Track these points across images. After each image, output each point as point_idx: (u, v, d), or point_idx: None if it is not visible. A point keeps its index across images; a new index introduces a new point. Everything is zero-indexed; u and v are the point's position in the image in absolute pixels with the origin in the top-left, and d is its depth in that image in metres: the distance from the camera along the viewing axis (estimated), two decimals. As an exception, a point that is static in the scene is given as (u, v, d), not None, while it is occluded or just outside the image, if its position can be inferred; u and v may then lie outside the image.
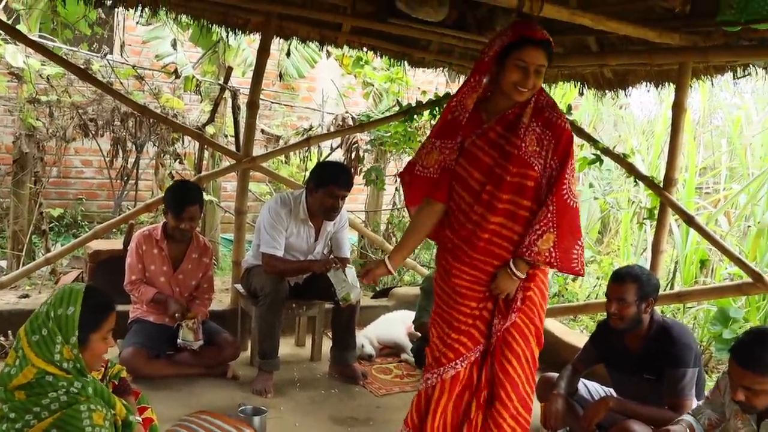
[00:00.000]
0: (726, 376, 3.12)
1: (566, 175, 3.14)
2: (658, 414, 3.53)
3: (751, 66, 4.56)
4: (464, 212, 3.22)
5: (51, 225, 7.72)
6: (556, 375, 4.21)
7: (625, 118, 10.81)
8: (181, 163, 7.45)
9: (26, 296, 5.98)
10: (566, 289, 7.01)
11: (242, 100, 6.47)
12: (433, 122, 6.61)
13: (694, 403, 3.45)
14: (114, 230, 7.30)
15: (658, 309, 5.01)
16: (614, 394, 3.98)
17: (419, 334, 5.12)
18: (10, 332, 4.81)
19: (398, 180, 7.60)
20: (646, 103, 11.21)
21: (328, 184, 4.62)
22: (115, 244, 5.98)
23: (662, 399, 3.54)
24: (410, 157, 6.20)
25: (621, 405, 3.77)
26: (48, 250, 6.52)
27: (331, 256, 4.95)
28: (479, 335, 3.33)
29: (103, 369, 3.01)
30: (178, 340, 4.57)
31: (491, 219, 3.15)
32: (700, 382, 3.68)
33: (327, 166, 4.95)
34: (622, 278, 3.70)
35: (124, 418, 2.78)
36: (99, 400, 2.63)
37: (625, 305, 3.66)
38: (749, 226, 7.06)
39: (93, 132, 6.98)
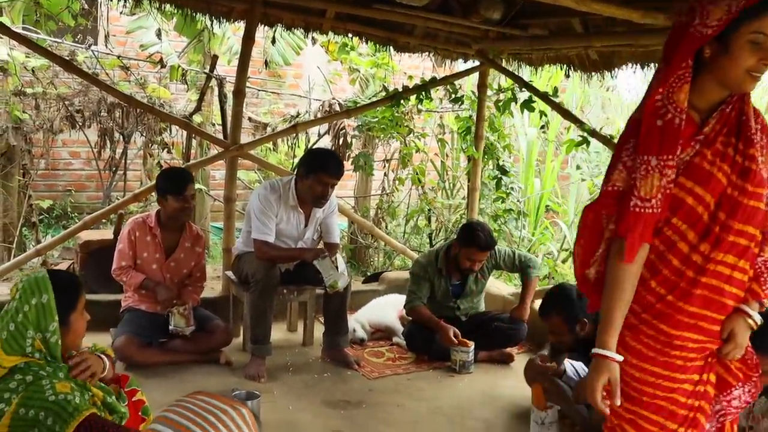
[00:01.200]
0: None
1: None
2: None
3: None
4: (681, 254, 2.23)
5: (41, 217, 7.72)
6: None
7: (612, 100, 10.85)
8: (169, 152, 7.46)
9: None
10: (556, 271, 7.06)
11: (228, 89, 6.48)
12: (421, 107, 6.65)
13: None
14: (104, 221, 7.32)
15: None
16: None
17: (410, 318, 5.16)
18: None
19: (386, 167, 7.67)
20: (633, 85, 11.26)
21: (318, 172, 4.63)
22: (106, 234, 6.00)
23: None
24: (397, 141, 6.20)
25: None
26: (39, 242, 6.53)
27: (321, 242, 4.98)
28: (704, 419, 2.33)
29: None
30: (170, 327, 4.58)
31: (720, 259, 2.21)
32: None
33: (317, 154, 4.94)
34: (545, 312, 3.81)
35: (102, 399, 2.78)
36: (70, 383, 2.63)
37: (560, 335, 3.75)
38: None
39: (80, 123, 6.97)
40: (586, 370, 4.12)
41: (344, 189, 8.45)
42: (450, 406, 4.33)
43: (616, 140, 5.16)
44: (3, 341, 2.58)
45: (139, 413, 3.02)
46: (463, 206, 7.36)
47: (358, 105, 6.30)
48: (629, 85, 11.23)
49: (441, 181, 7.91)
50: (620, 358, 2.21)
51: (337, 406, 4.24)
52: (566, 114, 5.39)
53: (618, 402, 2.20)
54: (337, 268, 4.52)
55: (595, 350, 2.20)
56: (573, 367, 4.18)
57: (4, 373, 2.56)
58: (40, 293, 2.60)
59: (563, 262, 7.23)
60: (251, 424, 1.83)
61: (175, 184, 4.65)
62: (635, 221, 2.14)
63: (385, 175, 7.66)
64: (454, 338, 4.81)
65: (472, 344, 4.84)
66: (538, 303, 5.33)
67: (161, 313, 4.66)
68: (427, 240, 7.62)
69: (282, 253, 4.75)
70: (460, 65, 6.18)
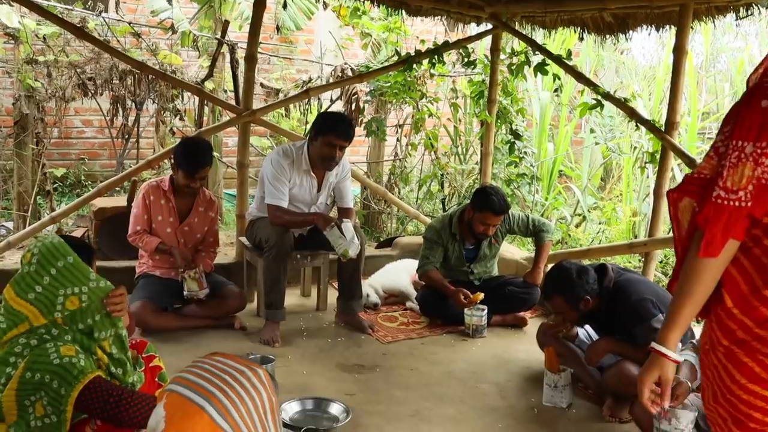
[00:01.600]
0: None
1: None
2: None
3: (754, 6, 4.50)
4: None
5: (55, 186, 7.76)
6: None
7: (626, 63, 10.73)
8: (181, 119, 7.44)
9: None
10: (569, 236, 7.05)
11: (240, 55, 6.44)
12: (433, 71, 6.60)
13: None
14: (117, 188, 7.34)
15: (661, 253, 5.05)
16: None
17: (423, 283, 5.17)
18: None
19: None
20: (648, 48, 11.13)
21: (327, 134, 4.62)
22: (120, 201, 6.03)
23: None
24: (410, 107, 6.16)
25: (618, 347, 3.84)
26: (53, 210, 6.56)
27: (335, 207, 4.99)
28: None
29: None
30: (184, 292, 4.62)
31: None
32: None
33: (328, 116, 4.93)
34: (548, 295, 3.81)
35: (107, 367, 2.80)
36: (75, 346, 2.64)
37: (564, 314, 3.76)
38: (752, 169, 7.04)
39: (92, 91, 6.96)
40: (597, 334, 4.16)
41: (357, 155, 8.44)
42: (463, 370, 4.36)
43: (630, 103, 5.14)
44: (33, 300, 2.57)
45: (156, 379, 3.05)
46: (476, 171, 7.33)
47: (370, 69, 6.24)
48: (644, 48, 11.12)
49: (454, 146, 7.87)
50: (679, 358, 2.09)
51: (351, 370, 4.28)
52: (580, 77, 5.33)
53: (667, 405, 2.08)
54: (345, 236, 4.52)
55: (653, 345, 2.05)
56: (585, 330, 4.20)
57: (13, 336, 2.57)
58: (62, 256, 2.59)
59: (576, 226, 7.21)
60: (268, 385, 1.83)
61: (189, 162, 4.62)
62: (716, 213, 1.87)
63: (397, 140, 7.63)
64: (464, 300, 4.83)
65: (483, 304, 4.85)
66: (551, 267, 5.36)
67: (176, 279, 4.70)
68: (440, 205, 7.61)
69: (295, 218, 4.76)
70: (473, 29, 6.10)
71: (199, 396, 1.73)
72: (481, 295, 4.87)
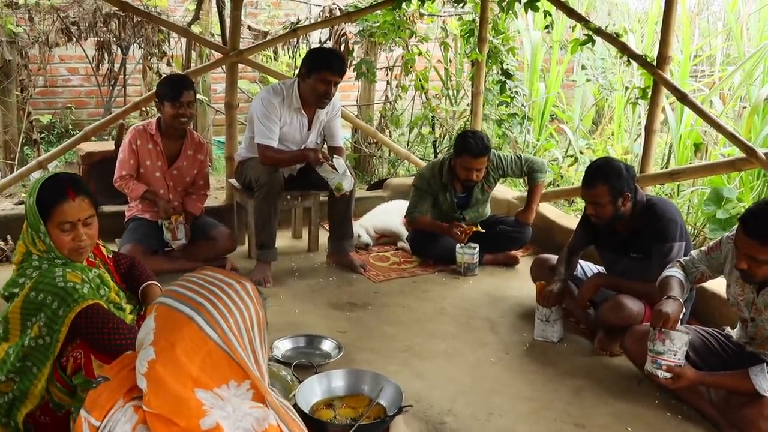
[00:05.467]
0: (730, 242, 3.15)
1: None
2: (647, 288, 3.59)
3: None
4: None
5: (42, 135, 7.67)
6: (550, 256, 4.29)
7: (619, 5, 10.58)
8: (168, 64, 7.32)
9: (22, 203, 6.01)
10: (561, 177, 7.03)
11: (226, -5, 6.32)
12: (423, 10, 6.49)
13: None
14: (105, 135, 7.28)
15: (652, 191, 5.06)
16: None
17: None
18: (9, 237, 4.85)
19: (389, 74, 7.53)
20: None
21: (321, 70, 4.53)
22: (107, 145, 5.98)
23: (652, 276, 3.56)
24: (400, 49, 6.09)
25: (611, 281, 3.85)
26: (40, 157, 6.50)
27: (325, 146, 4.94)
28: None
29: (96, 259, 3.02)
30: (164, 238, 4.63)
31: None
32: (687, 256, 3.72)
33: (319, 52, 4.83)
34: (591, 182, 3.67)
35: (114, 301, 2.82)
36: (82, 275, 2.66)
37: (601, 206, 3.68)
38: (744, 107, 7.00)
39: (76, 36, 6.84)
40: (594, 270, 4.16)
41: (347, 100, 8.35)
42: (455, 307, 4.37)
43: (622, 38, 5.06)
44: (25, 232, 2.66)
45: None
46: (467, 113, 7.26)
47: (358, 9, 6.14)
48: (637, -11, 10.96)
49: (445, 88, 7.79)
50: None
51: (343, 308, 4.29)
52: (571, 12, 5.25)
53: None
54: (337, 170, 4.48)
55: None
56: (580, 266, 4.20)
57: (21, 259, 2.66)
58: (30, 194, 2.64)
59: (569, 166, 7.19)
60: (256, 299, 1.84)
61: (171, 89, 4.57)
62: None
63: (387, 83, 7.54)
64: (458, 232, 4.84)
65: (474, 242, 4.85)
66: (542, 206, 5.37)
67: (163, 223, 4.68)
68: (432, 148, 7.57)
69: (285, 155, 4.70)
70: (463, -35, 5.99)
71: (188, 307, 1.73)
72: (478, 227, 4.87)
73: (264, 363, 1.88)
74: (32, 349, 2.56)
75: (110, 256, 3.06)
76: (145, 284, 3.09)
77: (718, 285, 3.80)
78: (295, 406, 2.84)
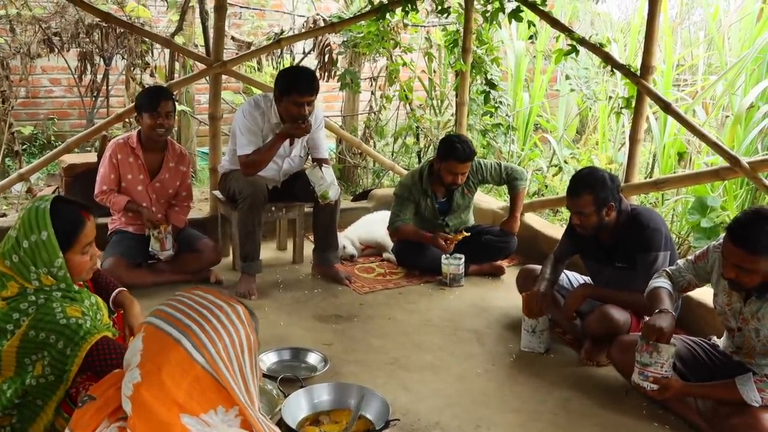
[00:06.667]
0: (717, 252, 3.15)
1: None
2: (633, 298, 3.60)
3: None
4: None
5: (24, 147, 7.61)
6: (535, 267, 4.28)
7: (602, 15, 10.64)
8: (152, 76, 7.28)
9: (3, 215, 5.95)
10: (546, 187, 7.04)
11: (210, 6, 6.28)
12: (407, 21, 6.48)
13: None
14: (88, 147, 7.22)
15: (636, 200, 5.07)
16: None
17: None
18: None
19: (373, 85, 7.53)
20: (623, 1, 11.04)
21: (291, 93, 4.47)
22: (90, 157, 5.92)
23: (636, 286, 3.56)
24: (385, 59, 6.08)
25: (598, 292, 3.85)
26: (22, 169, 6.42)
27: (310, 158, 4.92)
28: None
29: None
30: (149, 249, 4.58)
31: None
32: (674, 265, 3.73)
33: (287, 73, 4.68)
34: (576, 191, 3.67)
35: (106, 323, 2.78)
36: (81, 307, 2.60)
37: (585, 216, 3.68)
38: (727, 116, 7.04)
39: (58, 47, 6.79)
40: (580, 280, 4.16)
41: (331, 110, 8.33)
42: (441, 318, 4.36)
43: (605, 48, 5.08)
44: (13, 266, 2.50)
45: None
46: (451, 123, 7.26)
47: (342, 19, 6.12)
48: (619, 0, 11.03)
49: (429, 98, 7.79)
50: None
51: (328, 321, 4.26)
52: (555, 23, 5.26)
53: None
54: (325, 178, 4.46)
55: None
56: (566, 276, 4.19)
57: (15, 294, 2.51)
58: (39, 229, 2.48)
59: (554, 176, 7.19)
60: (247, 323, 1.79)
61: (149, 99, 4.54)
62: None
63: (372, 93, 7.53)
64: (445, 243, 4.83)
65: (460, 253, 4.85)
66: (528, 216, 5.37)
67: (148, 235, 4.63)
68: (416, 158, 7.56)
69: (263, 151, 4.59)
70: (446, -24, 5.99)
71: (176, 329, 1.69)
72: (464, 233, 4.87)
73: (254, 389, 1.83)
74: (34, 387, 2.47)
75: None
76: (116, 292, 3.06)
77: (704, 294, 3.81)
78: (281, 421, 2.81)
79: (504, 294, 4.74)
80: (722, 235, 2.97)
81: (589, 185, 3.63)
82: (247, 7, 8.46)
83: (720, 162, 4.87)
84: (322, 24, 6.58)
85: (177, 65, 7.08)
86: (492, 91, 6.19)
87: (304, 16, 7.42)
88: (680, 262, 3.39)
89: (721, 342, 3.34)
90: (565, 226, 4.28)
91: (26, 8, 6.62)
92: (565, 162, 7.31)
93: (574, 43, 5.01)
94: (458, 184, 4.89)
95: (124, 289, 3.12)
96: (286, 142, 4.75)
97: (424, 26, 7.45)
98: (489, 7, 5.65)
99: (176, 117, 5.05)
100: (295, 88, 4.47)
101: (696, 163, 6.49)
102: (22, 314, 2.48)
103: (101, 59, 7.07)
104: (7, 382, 2.48)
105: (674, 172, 6.47)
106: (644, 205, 3.80)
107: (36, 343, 2.44)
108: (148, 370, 1.66)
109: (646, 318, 3.26)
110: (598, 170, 3.76)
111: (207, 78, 5.55)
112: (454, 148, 4.73)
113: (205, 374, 1.66)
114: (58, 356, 2.45)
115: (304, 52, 7.48)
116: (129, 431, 1.64)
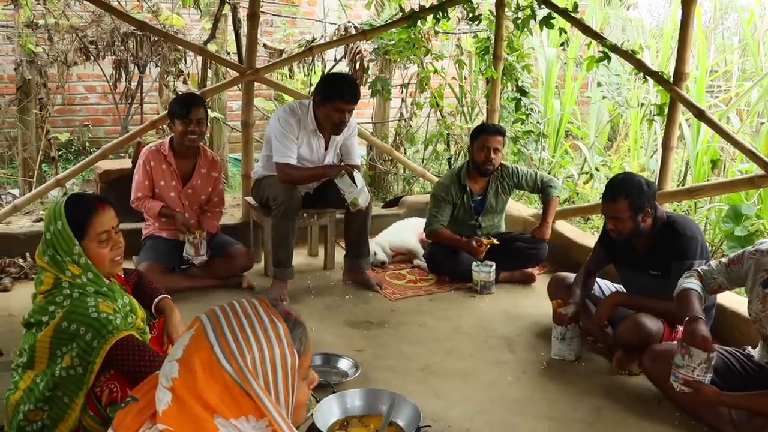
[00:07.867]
0: (753, 258, 3.11)
1: None
2: (666, 306, 3.55)
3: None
4: None
5: (60, 153, 7.73)
6: (567, 274, 4.26)
7: (633, 21, 10.58)
8: (185, 83, 7.37)
9: (41, 220, 6.04)
10: (577, 194, 7.00)
11: (243, 14, 6.36)
12: (438, 28, 6.50)
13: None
14: (122, 153, 7.32)
15: (669, 207, 5.03)
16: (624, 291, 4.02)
17: (430, 241, 5.15)
18: (27, 254, 4.89)
19: (404, 92, 7.58)
20: (655, 6, 10.97)
21: (335, 99, 4.53)
22: (124, 163, 6.01)
23: (670, 294, 3.53)
24: (415, 66, 6.10)
25: (629, 300, 3.82)
26: (58, 175, 6.54)
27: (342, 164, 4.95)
28: None
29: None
30: (183, 254, 4.63)
31: None
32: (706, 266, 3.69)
33: (332, 80, 4.78)
34: (612, 196, 3.64)
35: (139, 327, 2.83)
36: (113, 304, 2.67)
37: (621, 222, 3.65)
38: (762, 123, 6.97)
39: (94, 55, 6.90)
40: (612, 288, 4.13)
41: (362, 117, 8.37)
42: (471, 325, 4.36)
43: (637, 56, 5.05)
44: (50, 261, 2.63)
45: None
46: (482, 130, 7.25)
47: (374, 27, 6.16)
48: (650, 6, 10.95)
49: (459, 105, 7.80)
50: None
51: (359, 327, 4.28)
52: (586, 30, 5.25)
53: None
54: (356, 184, 4.49)
55: None
56: (598, 284, 4.17)
57: (50, 287, 2.62)
58: (55, 220, 2.62)
59: (585, 183, 7.16)
60: (285, 340, 1.73)
61: (181, 106, 4.61)
62: None
63: (402, 100, 7.55)
64: (478, 246, 4.84)
65: (491, 260, 4.85)
66: (559, 223, 5.35)
67: (183, 241, 4.69)
68: (447, 165, 7.56)
69: (305, 173, 4.70)
70: (478, -16, 6.00)
71: (214, 334, 1.69)
72: (494, 240, 4.87)
73: (286, 409, 1.75)
74: (63, 380, 2.56)
75: (120, 273, 3.06)
76: (159, 298, 3.13)
77: (738, 303, 3.77)
78: (313, 425, 2.83)
79: (535, 301, 4.73)
80: (758, 240, 2.93)
81: (626, 190, 3.61)
82: (278, 15, 8.54)
83: (755, 170, 4.82)
84: (353, 31, 6.62)
85: (210, 73, 7.16)
86: (523, 98, 6.18)
87: (335, 24, 7.46)
88: (713, 263, 3.34)
89: (756, 353, 3.30)
90: (596, 235, 4.26)
91: (64, 17, 6.74)
92: (597, 169, 7.27)
93: (606, 50, 4.99)
94: (492, 161, 4.92)
95: (168, 296, 3.17)
96: (320, 149, 4.78)
97: (455, 33, 7.47)
98: (520, 14, 5.66)
99: (209, 124, 5.11)
100: (340, 95, 4.52)
101: (730, 170, 6.42)
102: (57, 306, 2.58)
103: (135, 67, 7.18)
104: (40, 375, 2.59)
105: (707, 180, 6.40)
106: (680, 213, 3.77)
107: (68, 334, 2.54)
108: (186, 368, 1.67)
109: (682, 324, 3.22)
110: (635, 176, 3.74)
111: (239, 85, 5.60)
112: (483, 125, 5.00)
113: (234, 383, 1.65)
114: (86, 347, 2.53)
115: (335, 60, 7.52)
116: (160, 426, 1.65)
